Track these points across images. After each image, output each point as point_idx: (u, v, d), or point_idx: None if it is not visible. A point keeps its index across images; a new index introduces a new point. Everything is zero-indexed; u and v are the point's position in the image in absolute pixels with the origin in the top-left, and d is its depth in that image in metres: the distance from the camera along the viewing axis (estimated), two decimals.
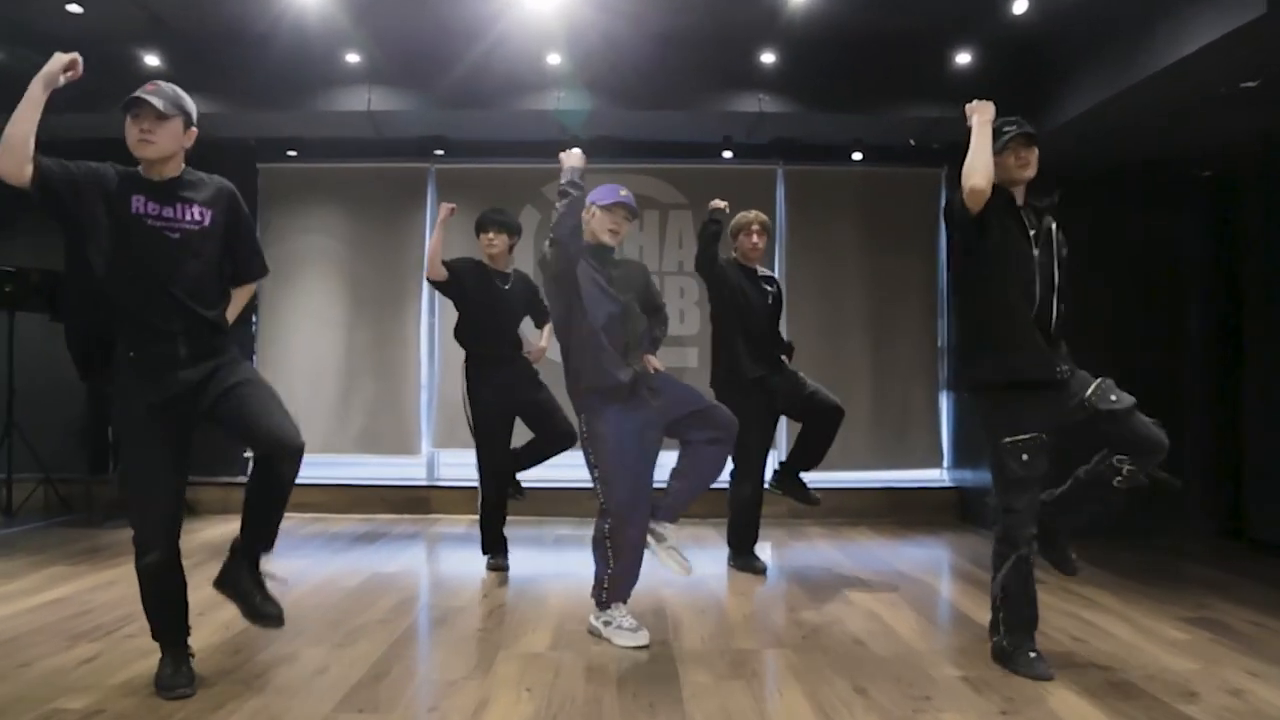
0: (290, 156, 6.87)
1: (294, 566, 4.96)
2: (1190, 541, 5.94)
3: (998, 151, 3.29)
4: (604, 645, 3.60)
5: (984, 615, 3.61)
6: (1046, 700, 2.98)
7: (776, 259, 7.10)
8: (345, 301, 7.16)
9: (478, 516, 5.07)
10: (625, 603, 3.74)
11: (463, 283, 4.88)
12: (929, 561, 5.52)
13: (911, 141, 6.34)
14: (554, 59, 5.19)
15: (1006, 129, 3.32)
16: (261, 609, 3.06)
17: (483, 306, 4.89)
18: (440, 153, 6.85)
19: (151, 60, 5.25)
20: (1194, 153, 5.79)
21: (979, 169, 3.18)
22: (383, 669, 3.29)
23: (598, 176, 6.76)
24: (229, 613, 3.37)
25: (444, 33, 5.24)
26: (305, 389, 6.99)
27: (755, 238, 4.97)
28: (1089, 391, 3.25)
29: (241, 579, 3.07)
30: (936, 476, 7.16)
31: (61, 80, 2.82)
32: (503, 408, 4.88)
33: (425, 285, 6.89)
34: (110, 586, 4.52)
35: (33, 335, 6.68)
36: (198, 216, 2.95)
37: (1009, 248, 3.27)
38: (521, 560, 5.08)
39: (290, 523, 6.13)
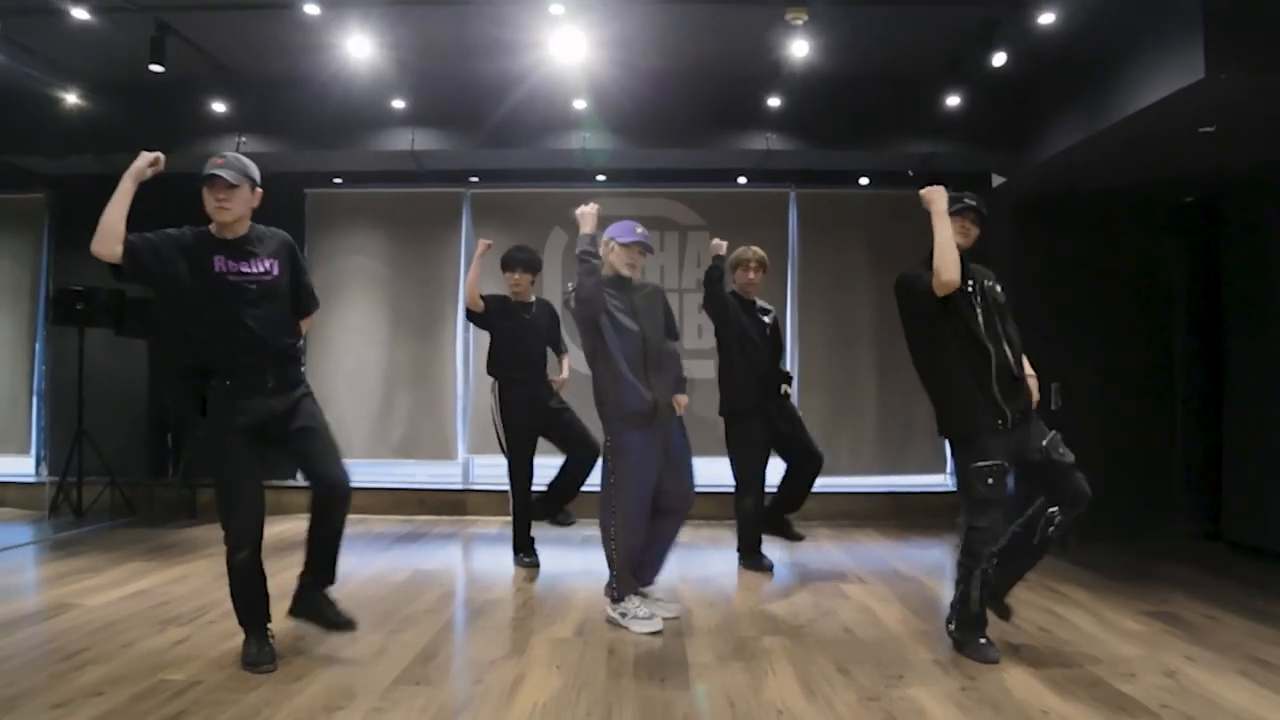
0: (336, 184, 7.42)
1: (343, 564, 5.42)
2: (1171, 543, 6.36)
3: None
4: (622, 632, 4.11)
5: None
6: (1003, 679, 3.45)
7: (789, 277, 7.57)
8: (386, 318, 7.70)
9: (510, 519, 5.59)
10: (638, 593, 4.24)
11: (492, 318, 5.41)
12: (926, 561, 5.96)
13: (910, 173, 6.81)
14: (579, 104, 5.71)
15: (955, 205, 3.78)
16: (337, 621, 3.67)
17: (511, 335, 5.43)
18: (475, 179, 7.39)
19: (218, 106, 5.82)
20: (1176, 180, 6.20)
21: (950, 264, 3.61)
22: (431, 651, 3.81)
23: (621, 201, 7.44)
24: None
25: (482, 82, 5.82)
26: (349, 399, 7.57)
27: (752, 273, 5.47)
28: (1045, 441, 3.69)
29: (313, 605, 3.68)
30: (939, 482, 7.59)
31: (148, 174, 3.41)
32: (531, 425, 5.41)
33: (460, 303, 7.45)
34: (183, 580, 5.08)
35: (100, 349, 7.25)
36: (267, 267, 3.54)
37: (961, 318, 3.70)
38: (551, 559, 5.59)
39: (305, 524, 6.78)
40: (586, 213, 4.25)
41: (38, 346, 7.87)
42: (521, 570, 5.44)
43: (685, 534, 4.56)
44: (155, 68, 4.88)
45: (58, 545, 6.09)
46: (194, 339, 3.51)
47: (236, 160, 3.53)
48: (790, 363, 7.05)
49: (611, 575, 4.23)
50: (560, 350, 5.67)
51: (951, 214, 3.76)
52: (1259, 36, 4.01)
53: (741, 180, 7.24)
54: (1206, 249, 6.64)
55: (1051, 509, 3.64)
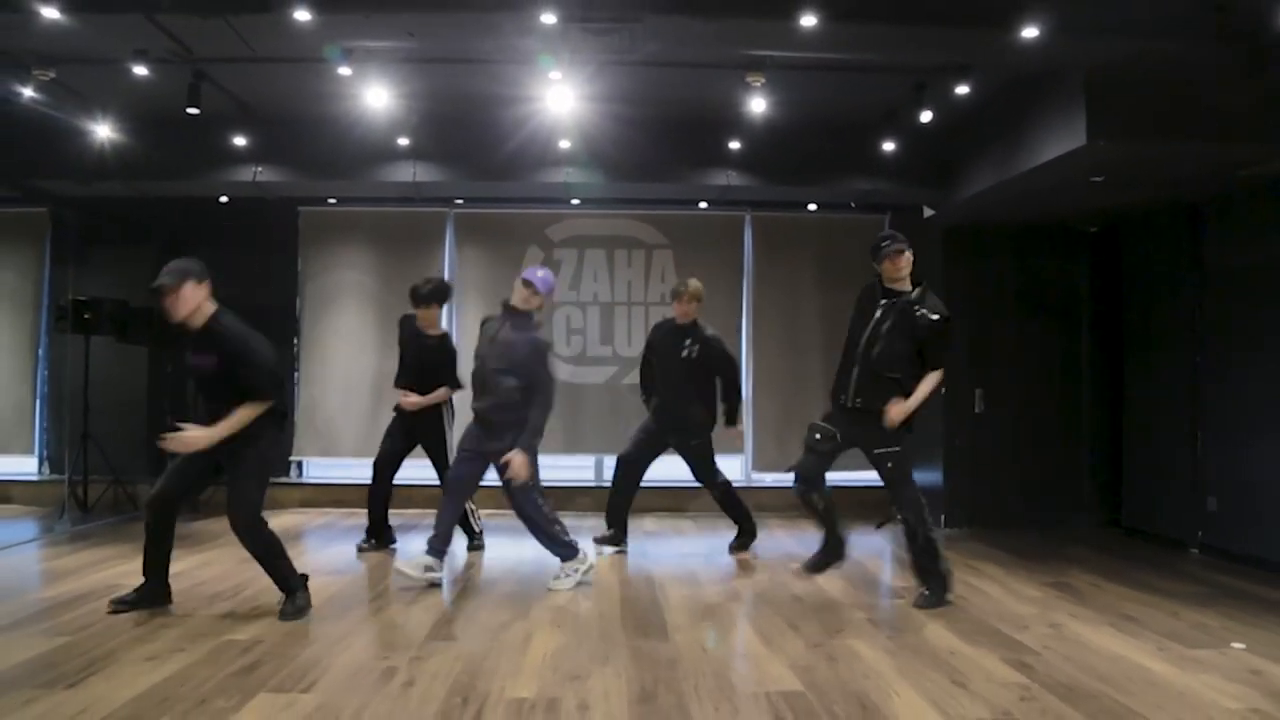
0: (330, 203, 8.05)
1: (348, 553, 6.13)
2: (1078, 529, 7.29)
3: (879, 260, 4.63)
4: (609, 599, 4.87)
5: (897, 583, 4.93)
6: (922, 631, 4.28)
7: (744, 292, 8.37)
8: (375, 327, 8.29)
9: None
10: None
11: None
12: (863, 546, 6.76)
13: (852, 204, 7.69)
14: (565, 144, 6.49)
15: (884, 243, 4.65)
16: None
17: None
18: (459, 201, 8.09)
19: (240, 140, 6.46)
20: (1080, 214, 7.14)
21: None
22: (451, 615, 4.53)
23: (593, 221, 8.20)
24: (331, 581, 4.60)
25: (482, 127, 6.63)
26: (340, 402, 8.21)
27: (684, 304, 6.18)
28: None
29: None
30: (873, 477, 8.34)
31: None
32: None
33: (445, 314, 8.13)
34: (209, 565, 5.69)
35: (103, 357, 7.68)
36: (209, 362, 4.38)
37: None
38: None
39: (332, 517, 7.45)
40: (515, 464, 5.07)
41: (40, 354, 8.32)
42: (475, 552, 6.21)
43: (655, 524, 5.34)
44: (192, 110, 5.51)
45: (76, 538, 6.60)
46: None
47: (176, 265, 4.34)
48: (744, 370, 7.82)
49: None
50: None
51: (883, 256, 4.59)
52: (1134, 109, 4.92)
53: (703, 205, 8.05)
54: (1109, 271, 7.59)
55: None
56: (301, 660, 3.76)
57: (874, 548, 6.74)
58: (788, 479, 6.84)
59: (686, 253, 8.39)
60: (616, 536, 6.28)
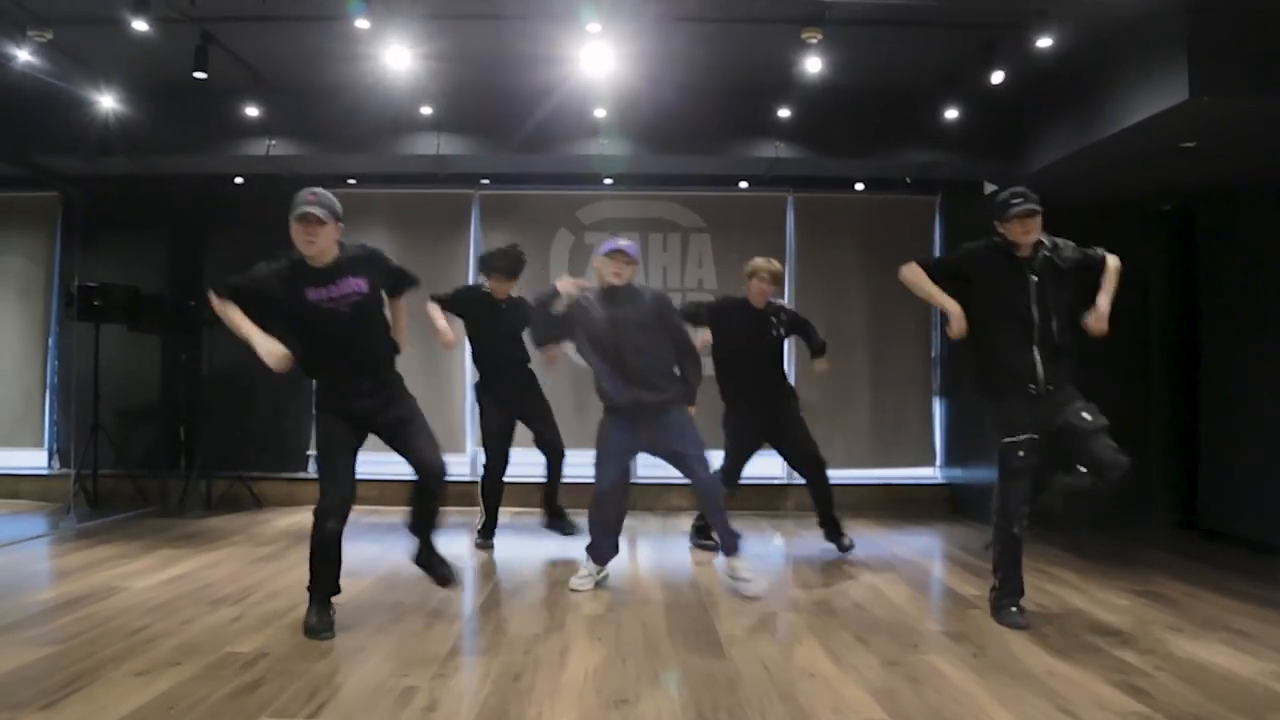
0: (350, 184, 7.64)
1: (368, 552, 5.70)
2: (1152, 531, 6.75)
3: (1006, 220, 4.06)
4: (654, 607, 4.40)
5: (964, 589, 4.42)
6: (1010, 647, 3.78)
7: (787, 278, 7.89)
8: None
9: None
10: (602, 565, 4.84)
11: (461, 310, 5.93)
12: (921, 547, 6.29)
13: (908, 180, 7.16)
14: (600, 113, 6.00)
15: (1014, 200, 4.07)
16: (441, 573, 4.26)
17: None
18: (485, 181, 7.65)
19: (251, 111, 6.04)
20: (1155, 190, 6.59)
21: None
22: (478, 626, 4.09)
23: (625, 204, 7.73)
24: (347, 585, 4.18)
25: (511, 92, 6.15)
26: None
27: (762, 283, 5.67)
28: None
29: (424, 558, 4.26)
30: (930, 474, 7.94)
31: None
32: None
33: None
34: (219, 565, 5.29)
35: (114, 344, 7.39)
36: (358, 286, 3.85)
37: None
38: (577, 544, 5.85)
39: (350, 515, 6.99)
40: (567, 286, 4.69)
41: (50, 342, 8.00)
42: (548, 557, 5.69)
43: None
44: (199, 75, 5.09)
45: (83, 535, 6.26)
46: (299, 350, 3.87)
47: (326, 197, 3.84)
48: (788, 360, 7.36)
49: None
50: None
51: (1012, 216, 4.05)
52: (1240, 63, 4.38)
53: (743, 185, 7.56)
54: (1183, 253, 7.03)
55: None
56: (310, 678, 3.33)
57: (927, 547, 6.25)
58: (828, 475, 6.46)
59: (725, 237, 7.91)
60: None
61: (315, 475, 7.91)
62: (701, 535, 5.84)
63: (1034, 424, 4.07)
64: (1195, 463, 6.85)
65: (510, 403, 5.81)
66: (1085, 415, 4.03)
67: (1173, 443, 7.04)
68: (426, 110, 6.10)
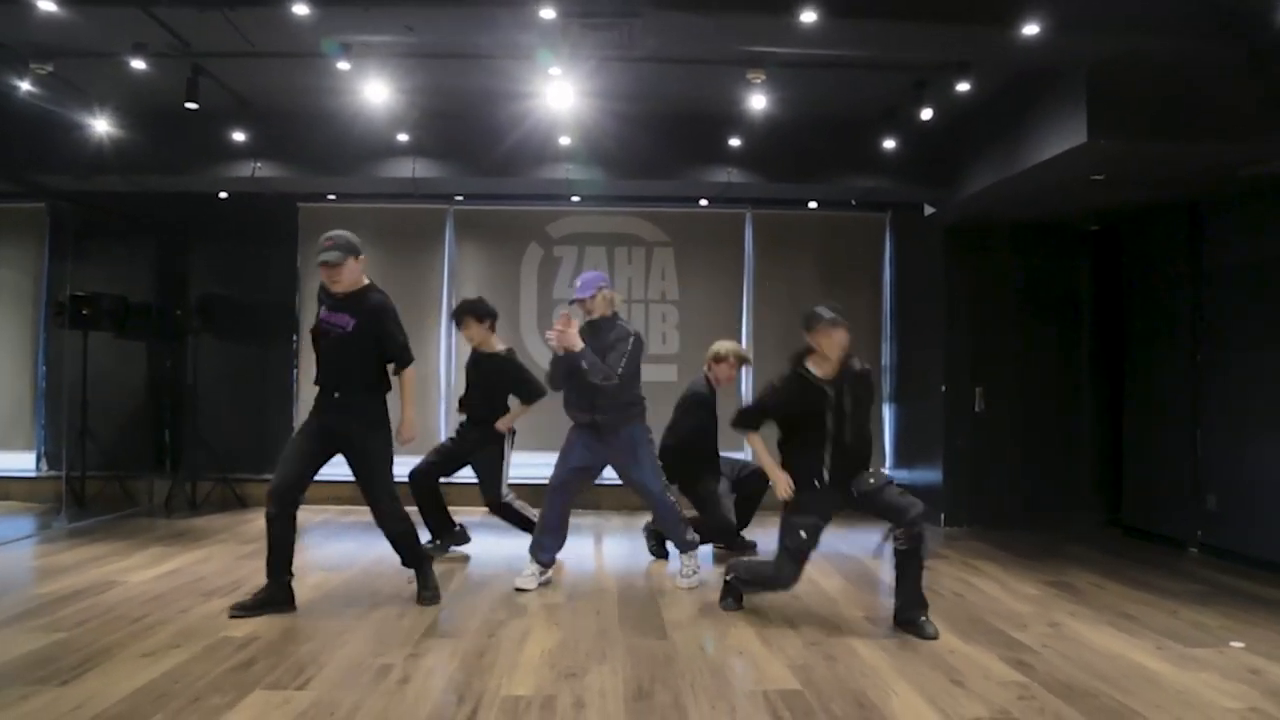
0: (329, 199, 8.03)
1: (345, 549, 6.12)
2: (1078, 528, 7.27)
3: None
4: (607, 597, 4.85)
5: (890, 579, 4.87)
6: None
7: (745, 291, 8.36)
8: None
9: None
10: (545, 565, 5.17)
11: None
12: (863, 544, 6.75)
13: (853, 202, 7.68)
14: (565, 141, 6.47)
15: (824, 319, 4.43)
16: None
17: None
18: (459, 197, 8.07)
19: (237, 135, 6.44)
20: (1082, 211, 7.11)
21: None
22: (448, 614, 4.51)
23: (593, 219, 8.18)
24: (329, 578, 4.59)
25: (482, 122, 6.58)
26: None
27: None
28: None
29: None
30: None
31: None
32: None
33: (444, 311, 8.15)
34: (208, 561, 5.67)
35: (102, 351, 7.68)
36: (345, 323, 4.42)
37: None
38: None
39: (329, 514, 7.44)
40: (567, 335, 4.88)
41: (40, 349, 8.32)
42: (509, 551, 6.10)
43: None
44: (190, 105, 5.49)
45: (74, 534, 6.59)
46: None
47: (342, 238, 4.43)
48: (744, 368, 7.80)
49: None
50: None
51: (819, 329, 4.45)
52: (1134, 109, 4.90)
53: (704, 202, 8.04)
54: (1110, 269, 7.57)
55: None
56: (297, 657, 3.75)
57: (872, 545, 6.72)
58: None
59: (687, 250, 8.41)
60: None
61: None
62: (657, 540, 6.14)
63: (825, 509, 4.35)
64: (1120, 466, 7.36)
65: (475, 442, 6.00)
66: (870, 480, 4.37)
67: (1101, 445, 7.57)
68: (403, 137, 6.53)
